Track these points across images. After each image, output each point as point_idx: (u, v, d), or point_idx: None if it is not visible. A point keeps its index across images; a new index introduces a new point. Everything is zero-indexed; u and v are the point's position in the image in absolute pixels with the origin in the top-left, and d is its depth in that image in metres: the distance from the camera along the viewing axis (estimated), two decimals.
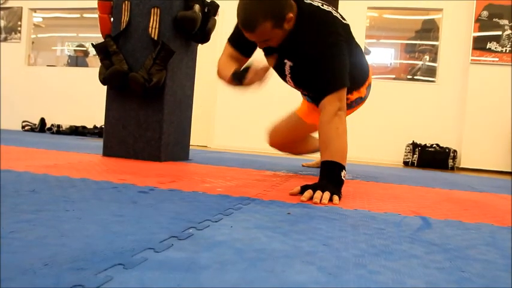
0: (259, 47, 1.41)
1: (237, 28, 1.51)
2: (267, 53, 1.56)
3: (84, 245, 0.54)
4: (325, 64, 1.32)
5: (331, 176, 1.20)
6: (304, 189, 1.16)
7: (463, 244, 0.71)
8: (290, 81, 1.59)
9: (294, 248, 0.61)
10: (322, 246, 0.63)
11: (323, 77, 1.33)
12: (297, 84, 1.60)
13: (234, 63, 1.48)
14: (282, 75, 1.62)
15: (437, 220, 0.94)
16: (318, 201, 1.06)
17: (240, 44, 1.50)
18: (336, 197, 1.10)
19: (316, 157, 2.79)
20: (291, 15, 1.29)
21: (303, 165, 2.47)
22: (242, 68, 1.29)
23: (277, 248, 0.60)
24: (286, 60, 1.49)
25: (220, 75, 1.45)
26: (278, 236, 0.67)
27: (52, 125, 5.15)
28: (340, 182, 1.21)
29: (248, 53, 1.54)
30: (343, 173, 1.21)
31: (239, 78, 1.28)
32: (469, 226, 0.89)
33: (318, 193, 1.10)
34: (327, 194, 1.10)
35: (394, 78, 4.51)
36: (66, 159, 1.74)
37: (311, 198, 1.10)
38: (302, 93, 1.83)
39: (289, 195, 1.16)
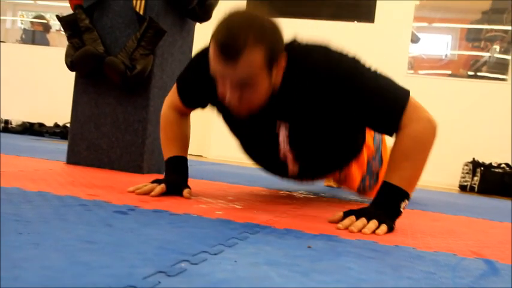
0: (225, 101, 1.19)
1: (190, 67, 1.49)
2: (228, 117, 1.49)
3: (43, 278, 0.54)
4: (363, 92, 1.22)
5: (387, 206, 1.19)
6: (346, 215, 1.16)
7: None
8: (286, 147, 1.43)
9: None
10: None
11: (375, 104, 1.22)
12: (298, 148, 1.44)
13: (178, 134, 1.53)
14: (267, 145, 1.47)
15: (507, 265, 0.93)
16: (355, 230, 1.06)
17: (188, 90, 1.49)
18: (384, 227, 1.11)
19: None
20: (283, 62, 1.22)
21: (325, 185, 2.48)
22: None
23: None
24: (281, 125, 1.38)
25: (161, 138, 1.53)
26: (295, 275, 0.68)
27: None
28: (396, 213, 1.20)
29: (193, 105, 1.52)
30: (403, 204, 1.20)
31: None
32: None
33: (361, 221, 1.11)
34: (373, 224, 1.10)
35: (450, 75, 4.50)
36: (17, 166, 1.76)
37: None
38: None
39: (328, 223, 1.17)
